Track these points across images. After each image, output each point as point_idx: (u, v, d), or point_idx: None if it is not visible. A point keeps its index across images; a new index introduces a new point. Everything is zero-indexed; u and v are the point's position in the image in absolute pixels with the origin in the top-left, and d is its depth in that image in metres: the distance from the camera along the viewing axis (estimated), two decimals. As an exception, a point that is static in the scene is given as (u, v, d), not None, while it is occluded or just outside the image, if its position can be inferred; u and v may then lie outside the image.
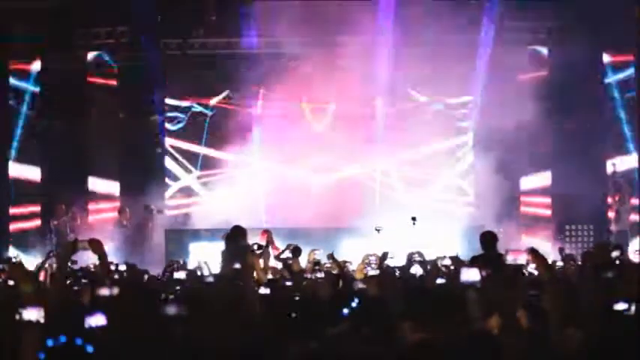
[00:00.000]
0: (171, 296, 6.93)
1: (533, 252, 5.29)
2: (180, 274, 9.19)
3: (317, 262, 11.09)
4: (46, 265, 9.94)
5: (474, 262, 8.97)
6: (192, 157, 19.55)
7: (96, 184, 18.77)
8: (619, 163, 17.89)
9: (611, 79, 18.38)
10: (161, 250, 17.35)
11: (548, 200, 18.79)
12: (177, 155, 19.50)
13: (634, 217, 17.42)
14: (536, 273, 7.45)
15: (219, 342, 4.66)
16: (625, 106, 18.22)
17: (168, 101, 19.56)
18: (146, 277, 10.31)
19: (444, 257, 9.60)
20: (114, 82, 19.07)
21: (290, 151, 18.97)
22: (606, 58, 18.38)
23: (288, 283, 8.28)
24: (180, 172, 19.52)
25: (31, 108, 18.25)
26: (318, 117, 19.52)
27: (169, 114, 19.58)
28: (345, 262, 11.24)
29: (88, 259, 10.48)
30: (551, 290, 4.90)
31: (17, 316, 3.98)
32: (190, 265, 13.18)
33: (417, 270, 8.65)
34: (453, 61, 18.51)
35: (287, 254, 11.82)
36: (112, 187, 18.98)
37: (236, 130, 19.25)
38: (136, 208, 18.12)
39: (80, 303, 5.80)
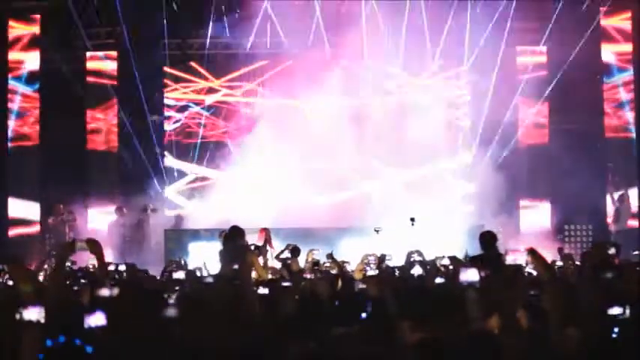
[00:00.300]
0: (172, 296, 6.92)
1: (533, 252, 5.29)
2: (179, 275, 9.17)
3: (316, 262, 11.08)
4: (45, 266, 9.92)
5: (473, 262, 8.98)
6: (189, 156, 19.55)
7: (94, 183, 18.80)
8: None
9: (614, 78, 18.36)
10: (160, 250, 17.33)
11: (547, 200, 18.79)
12: (175, 155, 19.51)
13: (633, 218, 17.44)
14: (535, 273, 7.44)
15: (219, 342, 4.65)
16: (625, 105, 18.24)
17: (167, 101, 19.58)
18: (145, 277, 10.30)
19: (443, 257, 9.59)
20: (114, 82, 19.08)
21: (288, 150, 18.97)
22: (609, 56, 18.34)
23: (287, 284, 8.27)
24: (178, 171, 19.52)
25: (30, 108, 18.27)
26: (316, 116, 19.52)
27: (166, 114, 19.61)
28: (344, 262, 11.24)
29: (88, 259, 10.49)
30: (550, 290, 4.89)
31: (17, 316, 3.97)
32: (190, 265, 13.16)
33: (416, 270, 8.64)
34: (452, 60, 18.57)
35: (286, 254, 11.82)
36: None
37: (233, 130, 19.28)
38: (134, 207, 18.13)
39: (79, 303, 5.79)
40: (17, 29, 18.02)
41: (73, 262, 10.97)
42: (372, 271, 8.63)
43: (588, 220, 18.28)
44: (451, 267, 8.91)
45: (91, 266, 10.60)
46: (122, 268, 10.00)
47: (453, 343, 4.00)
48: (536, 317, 4.88)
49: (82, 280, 8.27)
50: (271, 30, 18.84)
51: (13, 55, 18.12)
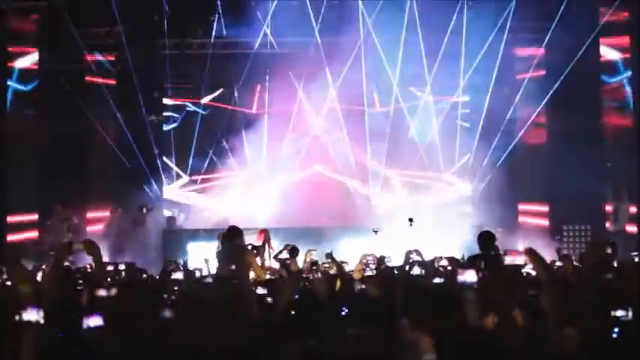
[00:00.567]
0: (172, 296, 6.92)
1: (531, 252, 5.29)
2: (178, 275, 9.17)
3: (314, 263, 11.09)
4: (44, 266, 9.93)
5: (471, 261, 8.97)
6: (187, 156, 19.55)
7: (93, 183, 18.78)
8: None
9: (614, 78, 18.36)
10: (159, 250, 17.33)
11: (546, 200, 18.79)
12: (173, 154, 19.50)
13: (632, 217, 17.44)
14: (534, 273, 7.44)
15: (218, 342, 4.65)
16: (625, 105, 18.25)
17: (166, 101, 19.58)
18: (144, 276, 10.30)
19: (441, 258, 9.59)
20: (112, 82, 19.08)
21: (287, 150, 18.99)
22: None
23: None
24: (176, 171, 19.52)
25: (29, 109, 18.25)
26: (316, 117, 19.52)
27: (164, 113, 19.62)
28: (342, 262, 11.24)
29: (87, 259, 10.47)
30: (549, 290, 4.90)
31: (17, 317, 3.98)
32: (190, 266, 13.16)
33: (415, 270, 8.64)
34: (452, 59, 18.59)
35: (284, 254, 11.81)
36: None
37: (231, 129, 19.29)
38: (132, 207, 18.13)
39: (78, 303, 5.79)
40: (16, 29, 18.00)
41: (72, 263, 10.96)
42: (370, 272, 8.63)
43: (587, 221, 18.28)
44: (449, 267, 8.92)
45: (88, 266, 10.59)
46: (122, 267, 9.99)
47: (452, 342, 4.01)
48: (535, 317, 4.88)
49: (80, 281, 8.25)
50: (271, 30, 18.84)
51: (12, 55, 18.09)
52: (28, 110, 18.24)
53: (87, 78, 18.84)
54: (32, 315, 3.99)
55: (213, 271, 10.69)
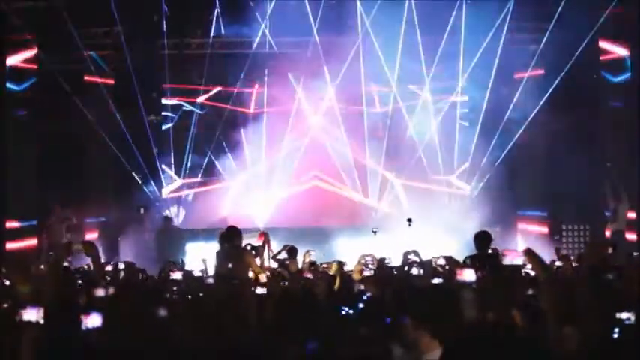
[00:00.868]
0: (170, 296, 6.93)
1: (530, 253, 5.29)
2: (176, 275, 9.18)
3: (313, 263, 11.11)
4: (42, 266, 9.92)
5: (468, 261, 8.99)
6: (185, 155, 19.53)
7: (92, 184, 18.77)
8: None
9: (614, 78, 18.35)
10: (158, 250, 17.31)
11: (545, 200, 18.79)
12: (171, 154, 19.49)
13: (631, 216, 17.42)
14: (533, 273, 7.45)
15: (217, 342, 4.65)
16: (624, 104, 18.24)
17: (165, 101, 19.59)
18: (144, 276, 10.31)
19: (439, 257, 9.61)
20: (111, 82, 19.07)
21: (285, 149, 18.99)
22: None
23: (286, 283, 8.28)
24: (174, 171, 19.51)
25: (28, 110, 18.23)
26: (314, 116, 19.53)
27: (163, 113, 19.62)
28: (341, 262, 11.26)
29: (86, 260, 10.46)
30: (547, 290, 4.90)
31: (17, 317, 3.98)
32: (188, 266, 13.17)
33: (413, 270, 8.66)
34: (451, 59, 18.61)
35: (283, 255, 11.82)
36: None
37: (230, 129, 19.30)
38: (131, 208, 18.14)
39: (77, 303, 5.79)
40: (15, 29, 17.97)
41: (70, 263, 10.95)
42: (369, 272, 8.64)
43: (586, 221, 18.28)
44: (447, 267, 8.93)
45: (86, 266, 10.59)
46: (121, 266, 10.01)
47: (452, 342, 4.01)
48: (535, 316, 4.88)
49: (79, 281, 8.26)
50: (270, 30, 18.84)
51: (11, 54, 18.07)
52: (26, 110, 18.21)
53: (86, 78, 18.82)
54: (32, 315, 4.00)
55: (211, 271, 10.71)
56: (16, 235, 17.41)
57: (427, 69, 18.94)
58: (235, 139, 19.44)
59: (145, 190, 18.78)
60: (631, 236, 16.81)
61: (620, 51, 18.15)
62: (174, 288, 8.09)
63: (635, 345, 4.29)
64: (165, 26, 18.79)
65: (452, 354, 3.89)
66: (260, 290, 6.36)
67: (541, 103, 18.16)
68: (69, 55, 18.51)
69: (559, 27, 17.67)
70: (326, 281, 8.02)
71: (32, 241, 17.58)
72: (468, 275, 5.14)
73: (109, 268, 9.76)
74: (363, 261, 9.46)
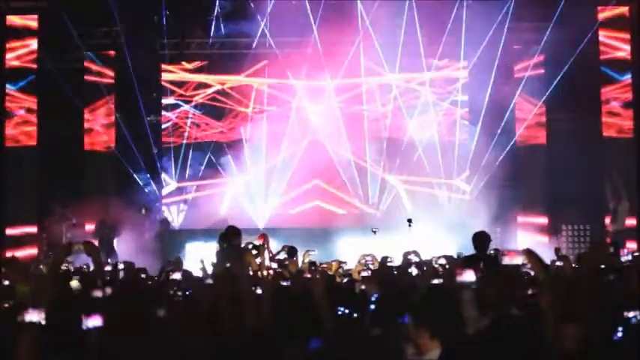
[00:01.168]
0: (169, 296, 6.93)
1: (529, 253, 5.29)
2: (176, 275, 9.17)
3: (312, 263, 11.09)
4: (41, 266, 9.93)
5: (467, 262, 8.99)
6: (183, 155, 19.53)
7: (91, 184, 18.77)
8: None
9: (613, 78, 18.33)
10: (158, 250, 17.30)
11: (545, 200, 18.78)
12: (171, 154, 19.49)
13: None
14: (533, 273, 7.45)
15: (217, 342, 4.65)
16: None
17: (164, 101, 19.60)
18: (143, 276, 10.29)
19: (440, 257, 9.60)
20: (111, 82, 19.07)
21: (285, 149, 19.00)
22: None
23: (285, 284, 8.27)
24: (174, 171, 19.51)
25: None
26: (314, 115, 19.53)
27: (163, 113, 19.64)
28: (340, 262, 11.26)
29: (85, 259, 10.46)
30: (547, 289, 4.90)
31: (17, 317, 3.98)
32: (187, 266, 13.16)
33: (413, 270, 8.65)
34: (451, 58, 18.63)
35: (283, 255, 11.81)
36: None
37: (229, 129, 19.29)
38: (131, 208, 18.12)
39: (77, 303, 5.78)
40: (15, 28, 17.97)
41: (70, 263, 10.95)
42: (368, 272, 8.62)
43: (587, 221, 18.28)
44: (447, 266, 8.92)
45: (85, 266, 10.59)
46: (121, 266, 10.01)
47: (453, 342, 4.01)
48: (535, 316, 4.88)
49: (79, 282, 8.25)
50: (270, 30, 18.84)
51: (10, 55, 18.06)
52: (26, 110, 18.19)
53: (86, 78, 18.82)
54: (32, 315, 4.00)
55: (210, 271, 10.69)
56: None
57: (427, 68, 18.96)
58: (235, 139, 19.44)
59: (145, 190, 18.78)
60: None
61: (621, 50, 18.14)
62: (175, 288, 8.09)
63: (633, 343, 4.29)
64: (165, 26, 18.80)
65: (451, 354, 3.90)
66: (260, 290, 6.36)
67: (541, 102, 18.16)
68: (69, 55, 18.53)
69: (559, 26, 17.67)
70: (325, 282, 8.00)
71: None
72: (469, 275, 5.14)
73: (108, 268, 9.75)
74: (363, 261, 9.45)
